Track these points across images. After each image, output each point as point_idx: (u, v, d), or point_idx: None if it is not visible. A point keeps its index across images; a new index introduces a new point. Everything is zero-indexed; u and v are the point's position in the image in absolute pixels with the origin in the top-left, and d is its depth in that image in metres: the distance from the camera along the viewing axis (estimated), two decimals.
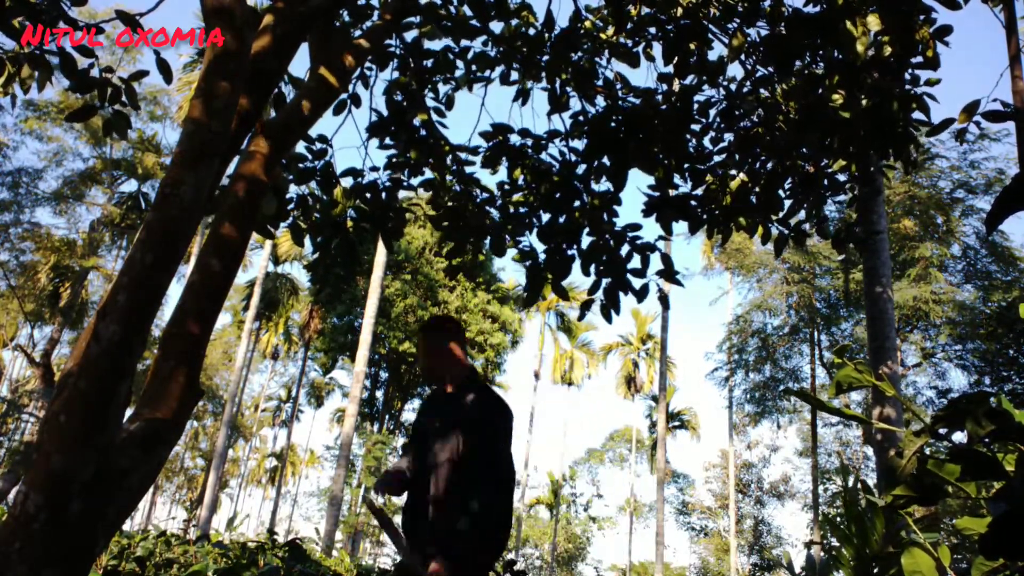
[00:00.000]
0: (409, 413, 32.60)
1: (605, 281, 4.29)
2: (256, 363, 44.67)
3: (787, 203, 4.50)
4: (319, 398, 44.92)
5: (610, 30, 4.40)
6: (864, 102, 3.80)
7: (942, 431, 1.38)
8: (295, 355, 42.17)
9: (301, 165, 4.30)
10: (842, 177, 4.58)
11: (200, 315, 1.97)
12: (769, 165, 4.44)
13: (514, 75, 4.58)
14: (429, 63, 4.40)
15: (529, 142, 4.47)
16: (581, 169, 4.48)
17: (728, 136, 4.42)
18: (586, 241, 4.40)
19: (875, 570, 3.08)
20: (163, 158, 28.37)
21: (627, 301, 4.27)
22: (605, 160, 4.36)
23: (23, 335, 32.78)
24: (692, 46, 4.07)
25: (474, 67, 4.47)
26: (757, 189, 4.45)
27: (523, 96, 4.65)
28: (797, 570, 3.59)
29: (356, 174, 4.43)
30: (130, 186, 30.09)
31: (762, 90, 4.22)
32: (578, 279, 52.03)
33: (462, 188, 4.66)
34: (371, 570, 8.38)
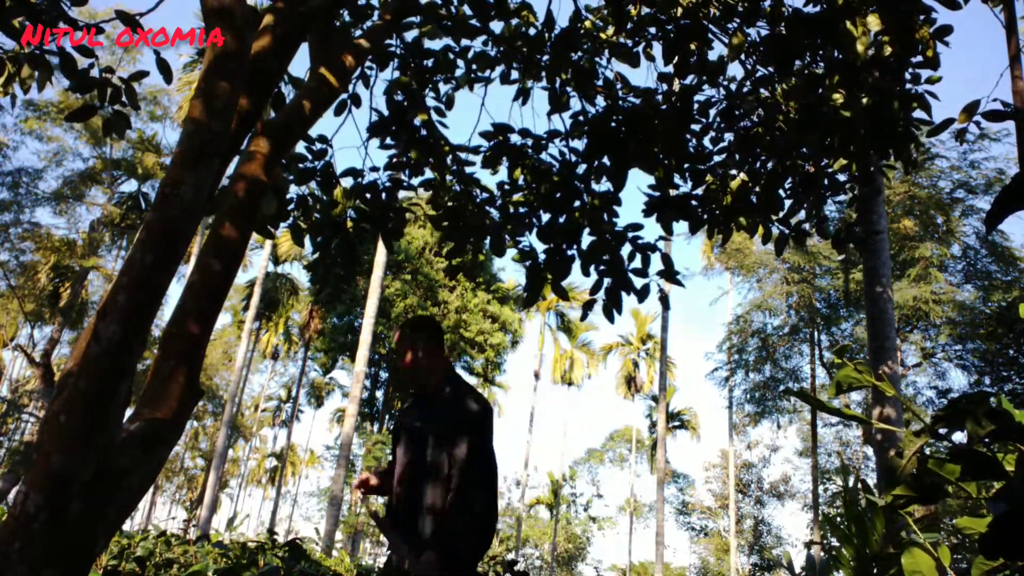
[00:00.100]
0: None
1: (607, 281, 4.29)
2: (256, 363, 44.69)
3: (787, 203, 4.50)
4: (319, 398, 44.93)
5: (610, 30, 4.40)
6: (864, 101, 3.80)
7: (942, 431, 1.38)
8: (295, 355, 42.18)
9: (301, 165, 4.30)
10: (842, 177, 4.58)
11: (200, 315, 1.97)
12: (769, 165, 4.44)
13: (514, 75, 4.58)
14: (429, 63, 4.40)
15: (529, 142, 4.47)
16: (581, 169, 4.48)
17: (728, 136, 4.42)
18: (586, 241, 4.40)
19: (875, 570, 3.08)
20: (163, 158, 28.37)
21: (628, 301, 4.28)
22: (605, 160, 4.36)
23: (23, 335, 32.79)
24: (692, 46, 4.07)
25: (474, 67, 4.47)
26: (757, 189, 4.45)
27: (523, 96, 4.65)
28: (797, 570, 3.59)
29: (356, 174, 4.43)
30: (130, 186, 30.12)
31: (762, 90, 4.22)
32: (578, 279, 52.03)
33: (462, 188, 4.66)
34: (371, 570, 8.38)
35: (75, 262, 27.17)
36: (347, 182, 4.47)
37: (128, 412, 1.84)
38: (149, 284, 1.81)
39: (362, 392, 19.14)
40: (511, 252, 4.62)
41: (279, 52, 2.49)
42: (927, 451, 1.47)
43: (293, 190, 4.36)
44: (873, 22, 3.47)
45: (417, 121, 4.45)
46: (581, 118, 4.46)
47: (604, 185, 4.46)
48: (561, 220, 4.47)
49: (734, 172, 4.51)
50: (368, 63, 4.38)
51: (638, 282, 4.29)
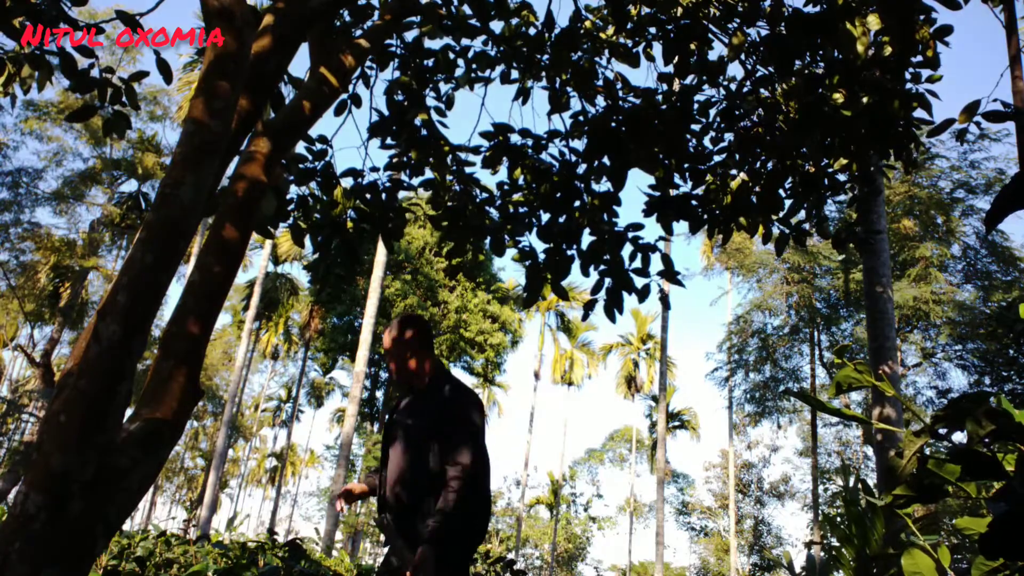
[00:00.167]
0: None
1: (608, 281, 4.29)
2: (256, 363, 44.69)
3: (787, 203, 4.50)
4: (319, 398, 44.93)
5: (610, 30, 4.40)
6: (864, 101, 3.80)
7: (942, 431, 1.38)
8: (295, 355, 42.18)
9: (301, 165, 4.30)
10: (842, 177, 4.58)
11: (200, 315, 1.97)
12: (769, 165, 4.44)
13: (514, 75, 4.58)
14: (429, 63, 4.40)
15: (529, 142, 4.47)
16: (581, 169, 4.48)
17: (728, 136, 4.42)
18: (586, 241, 4.40)
19: (875, 570, 3.08)
20: (163, 158, 28.37)
21: (628, 301, 4.28)
22: (605, 160, 4.37)
23: (23, 335, 32.79)
24: (692, 46, 4.07)
25: (474, 67, 4.47)
26: (757, 189, 4.45)
27: (523, 95, 4.65)
28: (797, 570, 3.60)
29: (356, 174, 4.43)
30: (130, 186, 30.12)
31: (762, 90, 4.22)
32: (578, 279, 52.04)
33: (462, 188, 4.66)
34: (371, 570, 8.38)
35: (75, 262, 27.18)
36: (347, 182, 4.47)
37: (128, 412, 1.84)
38: (149, 284, 1.81)
39: (362, 392, 19.14)
40: (511, 252, 4.62)
41: (279, 52, 2.49)
42: (927, 451, 1.47)
43: (293, 190, 4.36)
44: (873, 22, 3.47)
45: (417, 121, 4.46)
46: (581, 118, 4.46)
47: (604, 185, 4.46)
48: (561, 220, 4.47)
49: (734, 172, 4.51)
50: (368, 63, 4.38)
51: (639, 282, 4.29)
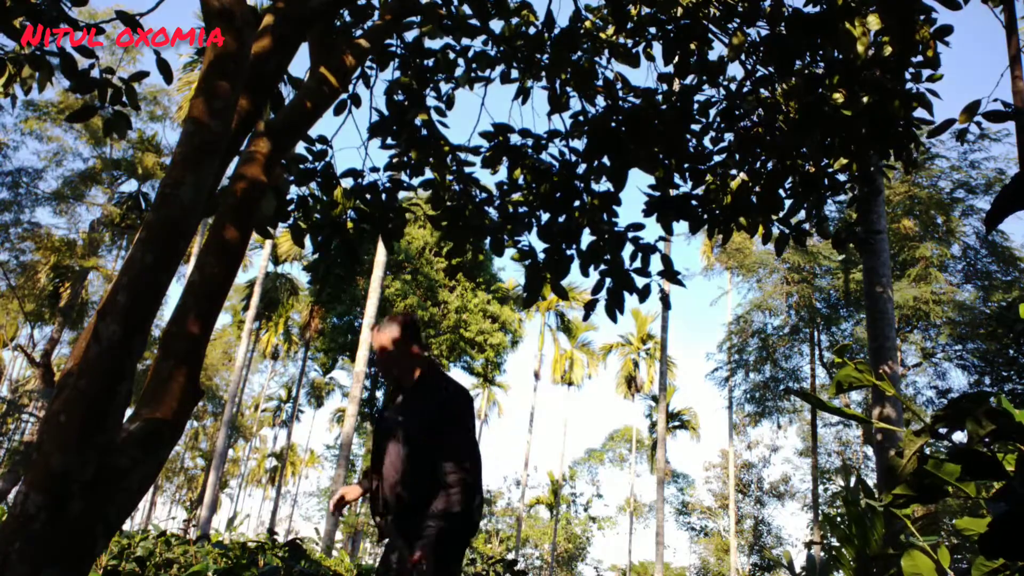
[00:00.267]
0: None
1: (608, 281, 4.29)
2: (256, 363, 44.69)
3: (787, 203, 4.50)
4: (319, 398, 44.93)
5: (610, 30, 4.40)
6: (865, 100, 3.80)
7: (942, 431, 1.38)
8: (295, 355, 42.18)
9: (301, 166, 4.30)
10: (842, 177, 4.58)
11: (200, 315, 1.97)
12: (769, 165, 4.44)
13: (514, 74, 4.58)
14: (429, 62, 4.40)
15: (529, 142, 4.47)
16: (581, 169, 4.48)
17: (728, 136, 4.42)
18: (586, 241, 4.40)
19: (875, 570, 3.08)
20: (163, 158, 28.37)
21: (628, 301, 4.28)
22: (605, 160, 4.37)
23: (23, 335, 32.79)
24: (692, 46, 4.07)
25: (474, 66, 4.47)
26: (757, 189, 4.45)
27: (523, 95, 4.65)
28: (797, 570, 3.60)
29: (356, 175, 4.43)
30: (130, 186, 30.12)
31: (762, 90, 4.22)
32: (578, 279, 52.05)
33: (462, 188, 4.66)
34: (371, 570, 8.39)
35: (75, 262, 27.18)
36: (347, 182, 4.47)
37: (128, 412, 1.84)
38: (149, 284, 1.81)
39: (362, 392, 19.15)
40: (511, 251, 4.62)
41: (279, 52, 2.49)
42: (927, 451, 1.47)
43: (293, 190, 4.36)
44: (873, 22, 3.47)
45: (417, 121, 4.46)
46: (581, 118, 4.46)
47: (604, 185, 4.46)
48: (561, 220, 4.47)
49: (734, 172, 4.51)
50: (368, 63, 4.38)
51: (639, 282, 4.29)
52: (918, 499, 1.46)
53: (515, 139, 4.47)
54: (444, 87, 4.54)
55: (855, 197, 4.87)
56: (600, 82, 4.36)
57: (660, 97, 4.31)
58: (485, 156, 4.49)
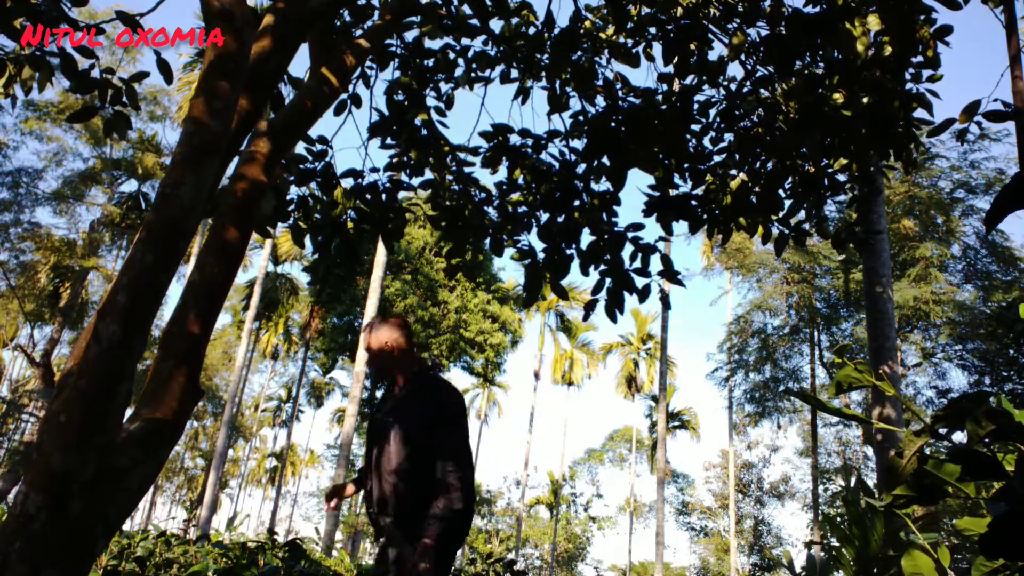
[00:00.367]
0: None
1: (608, 281, 4.29)
2: (256, 363, 44.69)
3: (787, 203, 4.50)
4: (319, 398, 44.94)
5: (610, 30, 4.40)
6: (864, 101, 3.80)
7: (942, 431, 1.38)
8: (295, 355, 42.19)
9: (302, 166, 4.30)
10: (842, 177, 4.58)
11: (200, 315, 1.97)
12: (769, 165, 4.44)
13: (514, 74, 4.58)
14: (429, 63, 4.40)
15: (529, 142, 4.47)
16: (581, 169, 4.48)
17: (728, 136, 4.42)
18: (586, 241, 4.40)
19: (875, 571, 3.08)
20: (163, 158, 28.37)
21: (628, 301, 4.28)
22: (605, 160, 4.36)
23: (23, 335, 32.79)
24: (692, 46, 4.07)
25: (474, 66, 4.47)
26: (757, 189, 4.45)
27: (523, 95, 4.65)
28: (797, 570, 3.60)
29: (356, 175, 4.43)
30: (130, 186, 30.12)
31: (762, 90, 4.22)
32: (578, 279, 52.05)
33: (461, 188, 4.66)
34: (371, 570, 8.38)
35: (75, 262, 27.18)
36: (347, 183, 4.47)
37: (128, 412, 1.84)
38: (149, 284, 1.81)
39: (362, 392, 19.14)
40: (511, 251, 4.62)
41: (279, 52, 2.49)
42: (927, 451, 1.47)
43: (293, 190, 4.36)
44: (873, 22, 3.47)
45: (417, 121, 4.45)
46: (581, 118, 4.46)
47: (604, 185, 4.46)
48: (560, 220, 4.47)
49: (734, 172, 4.51)
50: (368, 63, 4.37)
51: (639, 282, 4.29)
52: (918, 499, 1.46)
53: (515, 139, 4.48)
54: (444, 87, 4.55)
55: (855, 197, 4.87)
56: (600, 82, 4.36)
57: (660, 97, 4.31)
58: (485, 156, 4.49)
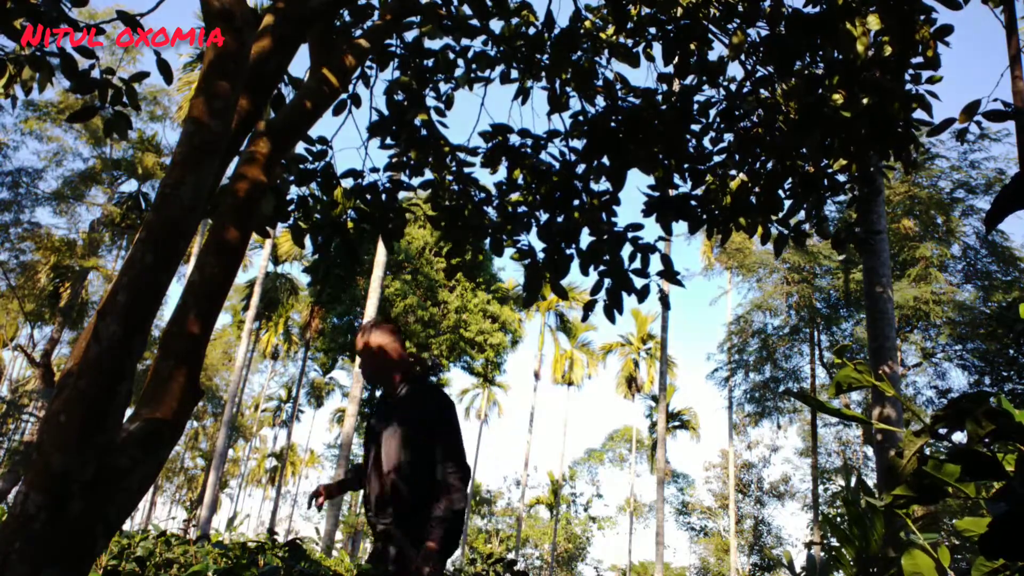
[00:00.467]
0: None
1: (607, 282, 4.29)
2: (256, 363, 44.70)
3: (787, 203, 4.50)
4: (319, 398, 44.95)
5: (610, 30, 4.40)
6: (864, 101, 3.79)
7: (942, 431, 1.38)
8: (295, 355, 42.19)
9: (302, 166, 4.30)
10: (842, 177, 4.57)
11: (200, 315, 1.97)
12: (769, 165, 4.44)
13: (514, 74, 4.58)
14: (429, 63, 4.40)
15: (529, 142, 4.47)
16: (580, 169, 4.48)
17: (728, 136, 4.42)
18: (585, 241, 4.40)
19: (875, 570, 3.08)
20: (163, 158, 28.37)
21: (628, 301, 4.27)
22: (604, 160, 4.36)
23: (23, 335, 32.78)
24: (692, 46, 4.07)
25: (474, 66, 4.47)
26: (757, 189, 4.45)
27: (523, 95, 4.65)
28: (797, 570, 3.60)
29: (356, 175, 4.43)
30: (130, 186, 30.13)
31: (762, 90, 4.22)
32: (578, 278, 52.05)
33: (461, 188, 4.66)
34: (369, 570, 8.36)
35: (75, 262, 27.17)
36: (347, 183, 4.47)
37: (128, 412, 1.84)
38: (149, 284, 1.81)
39: (362, 392, 19.14)
40: (510, 251, 4.62)
41: (279, 52, 2.48)
42: (927, 451, 1.47)
43: (293, 190, 4.36)
44: (873, 22, 3.47)
45: (417, 121, 4.45)
46: (581, 118, 4.46)
47: (603, 185, 4.46)
48: (560, 220, 4.47)
49: (734, 172, 4.51)
50: (368, 63, 4.37)
51: (638, 282, 4.29)
52: (918, 499, 1.46)
53: (514, 139, 4.48)
54: (444, 87, 4.54)
55: (855, 197, 4.87)
56: (600, 82, 4.36)
57: (660, 97, 4.31)
58: (484, 156, 4.49)
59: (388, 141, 4.49)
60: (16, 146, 27.24)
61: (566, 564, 43.96)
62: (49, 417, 1.69)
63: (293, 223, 4.35)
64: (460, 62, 4.46)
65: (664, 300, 4.67)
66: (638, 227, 4.27)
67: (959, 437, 1.43)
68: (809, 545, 4.59)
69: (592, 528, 44.72)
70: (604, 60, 4.45)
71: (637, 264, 4.26)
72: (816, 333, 22.36)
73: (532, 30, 4.44)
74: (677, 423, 40.17)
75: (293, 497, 51.34)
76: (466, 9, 4.22)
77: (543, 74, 4.46)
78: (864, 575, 3.13)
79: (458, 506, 2.65)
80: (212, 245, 2.08)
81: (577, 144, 4.54)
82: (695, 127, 4.37)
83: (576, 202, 4.47)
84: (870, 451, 24.58)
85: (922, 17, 3.56)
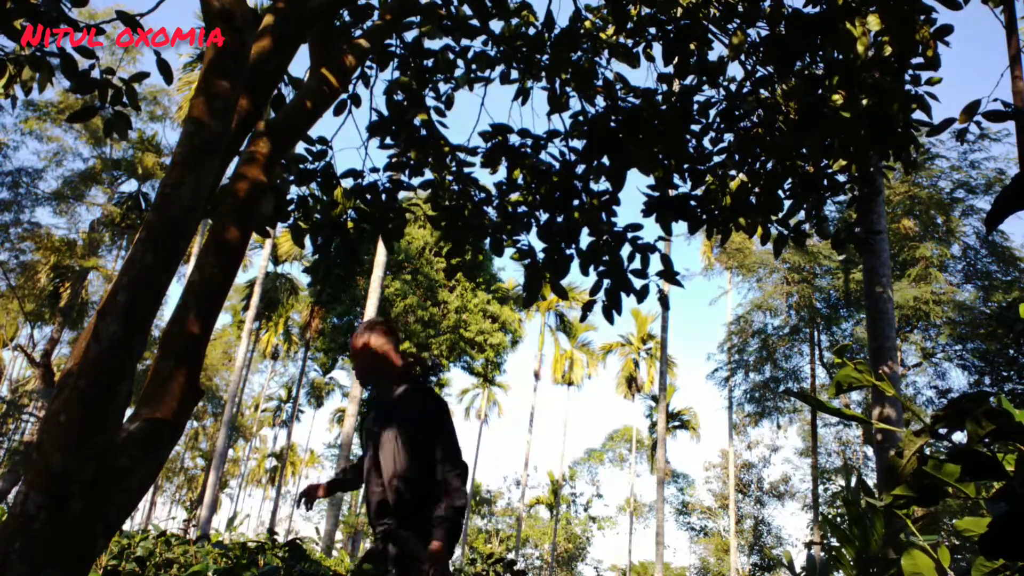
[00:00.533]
0: None
1: (606, 282, 4.29)
2: (256, 363, 44.69)
3: (787, 203, 4.50)
4: (319, 398, 44.95)
5: (610, 30, 4.40)
6: (864, 102, 3.79)
7: (942, 431, 1.38)
8: (295, 355, 42.18)
9: (302, 166, 4.30)
10: (842, 177, 4.57)
11: (200, 315, 1.97)
12: (769, 165, 4.44)
13: (514, 75, 4.58)
14: (429, 63, 4.40)
15: (529, 142, 4.47)
16: (580, 169, 4.48)
17: (728, 136, 4.42)
18: (585, 241, 4.40)
19: (875, 571, 3.08)
20: (163, 158, 28.37)
21: (627, 301, 4.27)
22: (604, 160, 4.36)
23: (23, 335, 32.78)
24: (692, 46, 4.07)
25: (474, 67, 4.47)
26: (757, 189, 4.45)
27: (523, 95, 4.65)
28: (797, 570, 3.59)
29: (356, 175, 4.43)
30: (130, 186, 30.13)
31: (762, 90, 4.22)
32: (578, 278, 52.06)
33: (461, 188, 4.66)
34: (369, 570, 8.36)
35: (75, 262, 27.17)
36: (347, 183, 4.47)
37: (128, 412, 1.84)
38: (149, 284, 1.81)
39: (362, 392, 19.13)
40: (510, 251, 4.62)
41: (279, 52, 2.48)
42: (927, 451, 1.47)
43: (293, 190, 4.36)
44: (873, 22, 3.47)
45: (417, 121, 4.45)
46: (581, 118, 4.46)
47: (603, 185, 4.46)
48: (560, 220, 4.47)
49: (733, 172, 4.51)
50: (368, 63, 4.37)
51: (637, 283, 4.29)
52: (918, 500, 1.46)
53: (514, 139, 4.47)
54: (444, 87, 4.54)
55: (855, 198, 4.87)
56: (600, 82, 4.36)
57: (660, 97, 4.31)
58: (484, 156, 4.48)
59: (388, 141, 4.49)
60: (16, 146, 27.24)
61: (566, 564, 43.95)
62: (49, 417, 1.69)
63: (293, 223, 4.35)
64: (460, 62, 4.46)
65: (663, 300, 4.67)
66: (638, 227, 4.26)
67: (959, 437, 1.43)
68: (809, 545, 4.59)
69: (592, 528, 44.73)
70: (604, 60, 4.45)
71: (637, 264, 4.26)
72: (816, 333, 22.36)
73: (532, 30, 4.44)
74: (677, 423, 40.16)
75: (293, 497, 51.34)
76: (466, 9, 4.22)
77: (543, 74, 4.46)
78: (864, 575, 3.13)
79: (459, 504, 2.68)
80: (212, 245, 2.08)
81: (577, 144, 4.54)
82: (695, 127, 4.37)
83: (576, 202, 4.47)
84: (870, 451, 24.59)
85: (922, 17, 3.56)
